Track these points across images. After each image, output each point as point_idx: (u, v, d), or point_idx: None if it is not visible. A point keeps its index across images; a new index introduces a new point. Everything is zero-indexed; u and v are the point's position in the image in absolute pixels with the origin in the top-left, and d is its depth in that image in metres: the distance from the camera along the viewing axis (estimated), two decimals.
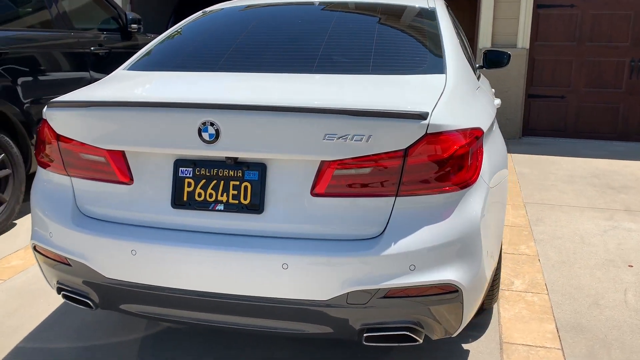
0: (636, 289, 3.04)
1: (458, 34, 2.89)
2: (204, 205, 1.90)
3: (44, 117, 2.09)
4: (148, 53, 2.61)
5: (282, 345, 2.48)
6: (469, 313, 1.95)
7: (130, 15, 5.36)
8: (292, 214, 1.85)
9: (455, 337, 2.55)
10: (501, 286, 3.06)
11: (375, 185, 1.80)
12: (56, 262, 2.09)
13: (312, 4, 2.88)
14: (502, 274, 3.21)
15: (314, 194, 1.84)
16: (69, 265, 2.05)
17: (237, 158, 1.87)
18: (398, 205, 1.81)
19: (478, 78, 3.07)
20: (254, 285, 1.82)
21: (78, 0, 4.99)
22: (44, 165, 2.15)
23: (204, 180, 1.90)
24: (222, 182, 1.89)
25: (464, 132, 1.87)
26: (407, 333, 1.86)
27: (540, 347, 2.48)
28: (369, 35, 2.46)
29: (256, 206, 1.86)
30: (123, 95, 2.01)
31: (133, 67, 2.51)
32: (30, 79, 4.05)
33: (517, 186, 5.05)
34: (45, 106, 2.07)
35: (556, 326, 2.65)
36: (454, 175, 1.82)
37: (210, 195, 1.90)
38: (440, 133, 1.79)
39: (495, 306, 2.83)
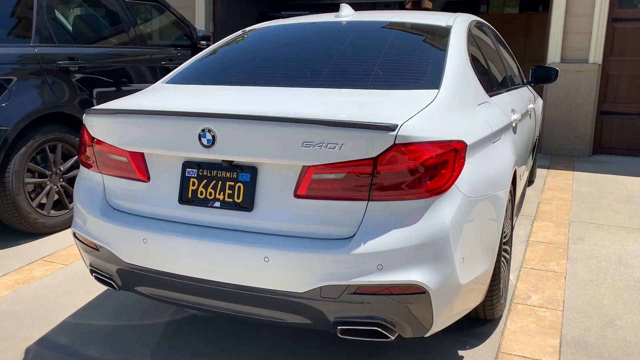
0: None
1: (475, 51, 2.98)
2: (205, 202, 2.16)
3: (83, 122, 2.45)
4: (184, 68, 2.94)
5: (281, 345, 2.69)
6: (440, 316, 2.06)
7: (200, 32, 5.83)
8: (277, 213, 2.07)
9: (452, 343, 2.63)
10: (516, 300, 3.08)
11: (349, 189, 1.97)
12: (89, 247, 2.44)
13: (339, 22, 3.09)
14: (521, 288, 3.22)
15: (296, 195, 2.04)
16: (97, 250, 2.38)
17: (232, 161, 2.12)
18: (370, 209, 1.97)
19: (507, 91, 3.13)
20: (241, 275, 2.05)
21: (156, 21, 5.52)
22: (84, 164, 2.51)
23: (205, 180, 2.17)
24: (220, 182, 2.14)
25: (438, 143, 2.00)
26: (377, 329, 2.00)
27: (535, 359, 2.51)
28: (377, 52, 2.64)
29: (247, 205, 2.10)
30: (146, 104, 2.33)
31: (169, 81, 2.85)
32: (106, 89, 4.56)
33: (568, 204, 4.93)
34: (84, 113, 2.43)
35: (560, 342, 2.65)
36: (423, 183, 1.96)
37: (210, 194, 2.16)
38: (409, 144, 1.93)
39: (503, 318, 2.87)
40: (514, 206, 3.10)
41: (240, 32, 3.36)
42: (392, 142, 1.91)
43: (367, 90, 2.33)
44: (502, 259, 2.87)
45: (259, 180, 2.10)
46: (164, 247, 2.16)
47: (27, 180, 3.95)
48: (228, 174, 2.13)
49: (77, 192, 2.53)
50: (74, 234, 2.54)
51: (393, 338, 2.05)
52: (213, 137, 2.07)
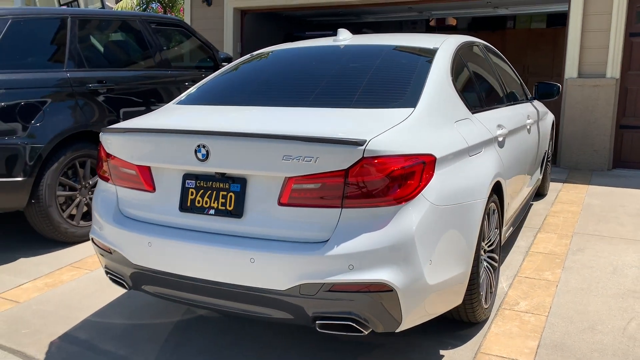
0: None
1: (462, 71, 3.19)
2: (201, 210, 2.43)
3: (100, 140, 2.77)
4: (193, 90, 3.25)
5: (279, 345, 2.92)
6: (410, 313, 2.26)
7: (223, 54, 6.20)
8: (264, 219, 2.32)
9: (435, 344, 2.81)
10: (505, 306, 3.23)
11: (325, 198, 2.21)
12: (104, 250, 2.74)
13: (335, 46, 3.35)
14: (511, 295, 3.36)
15: (280, 203, 2.29)
16: (111, 253, 2.68)
17: (224, 173, 2.38)
18: (344, 216, 2.21)
19: (497, 108, 3.32)
20: (231, 274, 2.30)
21: (181, 45, 5.92)
22: (101, 177, 2.83)
23: (202, 190, 2.44)
24: (214, 192, 2.41)
25: (405, 156, 2.22)
26: (352, 324, 2.22)
27: (512, 359, 2.66)
28: (364, 74, 2.88)
29: (238, 212, 2.36)
30: (152, 123, 2.63)
31: (179, 102, 3.16)
32: (132, 109, 4.94)
33: (576, 217, 5.02)
34: (101, 132, 2.75)
35: (539, 344, 2.80)
36: (391, 192, 2.18)
37: (206, 202, 2.43)
38: (377, 157, 2.16)
39: (488, 322, 3.03)
40: (502, 216, 3.26)
41: (248, 55, 3.66)
42: (361, 156, 2.15)
43: (349, 110, 2.57)
44: (487, 265, 3.04)
45: (248, 190, 2.36)
46: (166, 250, 2.44)
47: (59, 193, 4.33)
48: (221, 185, 2.40)
49: (95, 202, 2.84)
50: (92, 240, 2.84)
51: (366, 333, 2.26)
52: (207, 152, 2.34)
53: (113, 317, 3.22)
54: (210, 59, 6.18)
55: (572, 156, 7.42)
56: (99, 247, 2.77)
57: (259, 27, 10.42)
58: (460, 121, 2.81)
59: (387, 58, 3.05)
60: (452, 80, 2.97)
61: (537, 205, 5.44)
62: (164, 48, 5.50)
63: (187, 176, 2.48)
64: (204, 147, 2.34)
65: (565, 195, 5.86)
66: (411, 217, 2.21)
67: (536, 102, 5.05)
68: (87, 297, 3.51)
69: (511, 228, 3.77)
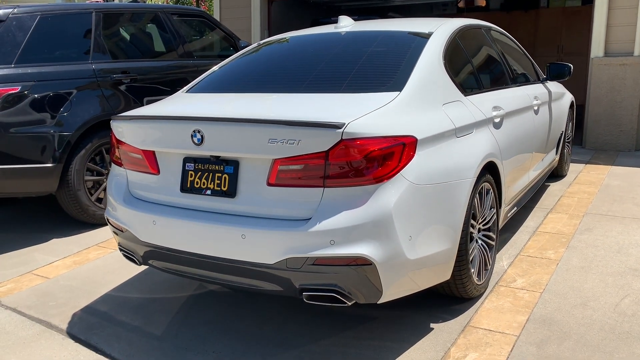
0: (639, 296, 3.10)
1: (458, 54, 3.27)
2: (199, 191, 2.63)
3: (111, 127, 3.00)
4: (201, 79, 3.44)
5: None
6: (391, 286, 2.40)
7: (243, 43, 6.38)
8: (255, 199, 2.50)
9: (426, 317, 2.94)
10: (501, 283, 3.32)
11: (308, 178, 2.37)
12: (117, 229, 2.98)
13: (335, 33, 3.48)
14: (510, 272, 3.45)
15: (268, 184, 2.46)
16: (122, 231, 2.91)
17: (218, 156, 2.57)
18: (326, 195, 2.36)
19: (497, 90, 3.39)
20: (225, 249, 2.49)
21: (204, 35, 6.13)
22: (114, 162, 3.06)
23: (200, 172, 2.63)
24: (210, 174, 2.60)
25: (384, 138, 2.35)
26: (335, 295, 2.38)
27: (499, 332, 2.77)
28: (357, 60, 3.00)
29: (231, 192, 2.54)
30: (157, 111, 2.83)
31: (188, 90, 3.35)
32: (155, 98, 5.18)
33: (591, 197, 5.01)
34: (111, 119, 2.97)
35: (528, 318, 2.90)
36: (370, 171, 2.32)
37: (204, 184, 2.62)
38: (356, 139, 2.30)
39: (483, 298, 3.14)
40: (499, 196, 3.34)
41: (255, 44, 3.82)
42: (340, 138, 2.29)
43: (338, 94, 2.70)
44: (482, 243, 3.14)
45: (241, 172, 2.54)
46: (168, 228, 2.65)
47: (87, 177, 4.62)
48: (216, 167, 2.58)
49: (108, 185, 3.08)
50: (107, 220, 3.09)
51: (350, 304, 2.41)
52: (202, 136, 2.53)
53: (131, 292, 3.48)
54: (232, 47, 6.38)
55: (598, 137, 7.31)
56: (113, 226, 3.01)
57: (287, 14, 10.56)
58: (450, 103, 2.90)
59: (382, 44, 3.16)
60: (445, 64, 3.05)
61: (553, 187, 5.44)
62: (186, 38, 5.72)
63: (186, 159, 2.67)
64: (199, 132, 2.53)
65: (585, 176, 5.82)
66: (390, 195, 2.34)
67: (551, 83, 5.03)
68: (110, 273, 3.79)
69: (515, 208, 3.83)
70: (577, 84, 8.77)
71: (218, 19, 10.00)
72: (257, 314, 3.10)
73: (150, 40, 5.45)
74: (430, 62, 2.94)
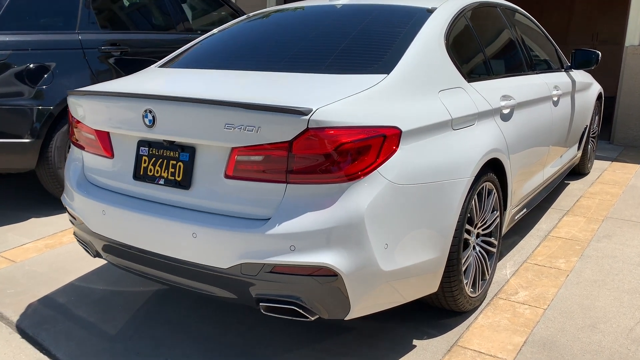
0: None
1: (465, 35, 2.86)
2: (152, 179, 2.31)
3: (67, 103, 2.69)
4: (176, 53, 3.10)
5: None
6: (360, 300, 2.06)
7: None
8: (210, 192, 2.17)
9: (410, 332, 2.60)
10: (501, 294, 2.95)
11: (269, 172, 2.03)
12: (71, 217, 2.69)
13: (329, 6, 3.09)
14: (512, 283, 3.07)
15: (226, 176, 2.12)
16: (75, 219, 2.62)
17: (173, 141, 2.24)
18: (289, 192, 2.01)
19: (509, 77, 3.00)
20: (174, 248, 2.18)
21: (206, 10, 5.78)
22: (72, 142, 2.76)
23: (154, 158, 2.31)
24: (165, 160, 2.28)
25: (360, 128, 1.99)
26: (295, 308, 2.05)
27: (490, 355, 2.42)
28: (345, 37, 2.63)
29: (186, 183, 2.22)
30: (112, 86, 2.51)
31: (161, 65, 3.02)
32: None
33: (614, 199, 4.56)
34: (67, 94, 2.66)
35: (526, 340, 2.53)
36: (340, 167, 1.96)
37: (157, 171, 2.30)
38: (325, 128, 1.94)
39: (477, 312, 2.78)
40: (504, 198, 2.96)
41: (244, 16, 3.46)
42: (305, 126, 1.93)
43: (316, 75, 2.34)
44: (480, 250, 2.77)
45: (197, 160, 2.21)
46: (117, 219, 2.34)
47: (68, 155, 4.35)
48: (171, 153, 2.26)
49: (66, 167, 2.78)
50: (65, 206, 2.80)
51: (312, 319, 2.08)
52: (153, 117, 2.20)
53: (97, 282, 3.21)
54: None
55: (629, 132, 6.78)
56: (68, 213, 2.73)
57: None
58: (448, 90, 2.52)
59: (377, 19, 2.77)
60: (446, 44, 2.66)
61: (573, 185, 5.00)
62: (184, 12, 5.38)
63: (141, 143, 2.36)
64: (150, 112, 2.20)
65: (610, 175, 5.35)
66: (363, 195, 1.99)
67: (577, 73, 4.56)
68: (80, 260, 3.52)
69: (524, 210, 3.44)
70: (613, 75, 8.20)
71: None
72: (223, 316, 2.80)
73: (145, 12, 5.13)
74: (428, 41, 2.55)
